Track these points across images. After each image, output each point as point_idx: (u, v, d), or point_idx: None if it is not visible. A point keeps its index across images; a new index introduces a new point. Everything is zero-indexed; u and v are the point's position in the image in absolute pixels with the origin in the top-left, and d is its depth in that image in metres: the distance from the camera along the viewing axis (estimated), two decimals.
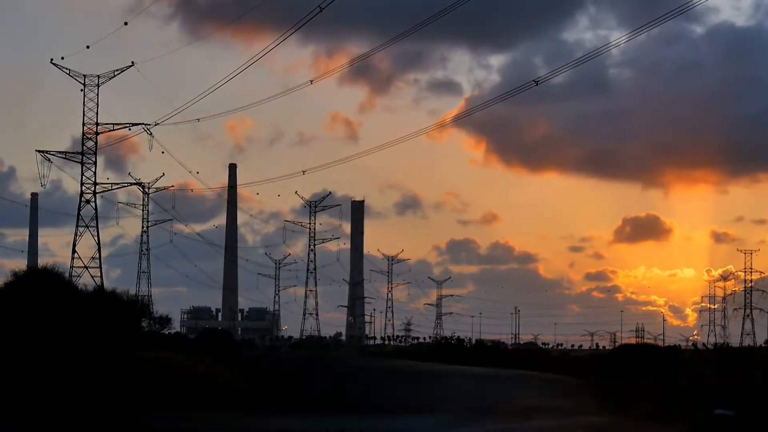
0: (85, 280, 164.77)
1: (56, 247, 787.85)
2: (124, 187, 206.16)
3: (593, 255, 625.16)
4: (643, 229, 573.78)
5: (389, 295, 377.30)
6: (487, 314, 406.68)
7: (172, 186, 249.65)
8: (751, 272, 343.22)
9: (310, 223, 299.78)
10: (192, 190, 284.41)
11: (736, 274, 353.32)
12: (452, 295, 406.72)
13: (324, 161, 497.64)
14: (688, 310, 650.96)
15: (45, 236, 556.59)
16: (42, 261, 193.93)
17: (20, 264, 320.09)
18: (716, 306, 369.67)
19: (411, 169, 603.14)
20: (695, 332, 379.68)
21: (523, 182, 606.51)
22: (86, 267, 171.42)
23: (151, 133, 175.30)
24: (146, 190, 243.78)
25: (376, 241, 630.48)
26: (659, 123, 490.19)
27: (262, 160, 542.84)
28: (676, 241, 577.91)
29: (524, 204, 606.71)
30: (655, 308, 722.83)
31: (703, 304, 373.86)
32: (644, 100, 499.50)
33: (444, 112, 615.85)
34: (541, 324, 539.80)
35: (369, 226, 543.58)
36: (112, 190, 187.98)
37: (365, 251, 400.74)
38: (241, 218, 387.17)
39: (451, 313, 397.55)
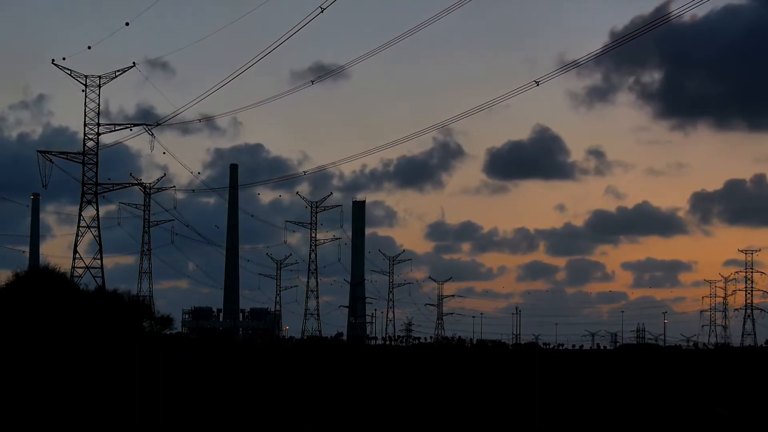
0: (87, 281, 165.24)
1: (58, 247, 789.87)
2: (126, 187, 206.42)
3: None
4: None
5: (390, 295, 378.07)
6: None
7: (173, 186, 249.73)
8: (752, 272, 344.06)
9: (311, 223, 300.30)
10: (194, 190, 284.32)
11: (736, 274, 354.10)
12: (453, 296, 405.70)
13: (327, 161, 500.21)
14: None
15: (46, 236, 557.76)
16: (43, 261, 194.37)
17: (22, 262, 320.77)
18: (717, 306, 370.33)
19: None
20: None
21: None
22: (88, 267, 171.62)
23: (152, 134, 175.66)
24: (147, 190, 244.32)
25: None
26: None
27: (263, 159, 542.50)
28: None
29: None
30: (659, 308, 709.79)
31: (703, 304, 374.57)
32: None
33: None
34: (543, 324, 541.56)
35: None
36: (113, 190, 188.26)
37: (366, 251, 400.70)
38: (242, 218, 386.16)
39: (452, 313, 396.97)
